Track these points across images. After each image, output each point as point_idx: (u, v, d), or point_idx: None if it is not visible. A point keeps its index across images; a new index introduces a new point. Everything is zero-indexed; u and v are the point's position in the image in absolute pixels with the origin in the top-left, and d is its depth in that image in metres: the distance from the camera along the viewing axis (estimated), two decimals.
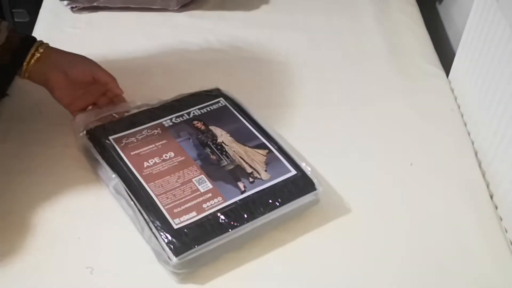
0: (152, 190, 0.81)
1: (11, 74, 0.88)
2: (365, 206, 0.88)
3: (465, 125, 1.05)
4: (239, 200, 0.80)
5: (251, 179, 0.84)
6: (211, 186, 0.82)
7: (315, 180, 0.84)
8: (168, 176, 0.83)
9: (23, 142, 0.94)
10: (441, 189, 0.91)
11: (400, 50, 1.22)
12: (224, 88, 1.01)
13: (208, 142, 0.89)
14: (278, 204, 0.81)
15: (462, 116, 1.07)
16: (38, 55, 0.87)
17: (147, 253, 0.77)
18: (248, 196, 0.81)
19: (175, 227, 0.76)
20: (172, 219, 0.77)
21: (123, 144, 0.88)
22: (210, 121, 0.93)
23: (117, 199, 0.83)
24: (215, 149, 0.88)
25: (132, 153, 0.87)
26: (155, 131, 0.91)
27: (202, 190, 0.81)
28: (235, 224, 0.77)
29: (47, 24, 1.22)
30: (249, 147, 0.89)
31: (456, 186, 0.92)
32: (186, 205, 0.79)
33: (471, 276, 0.80)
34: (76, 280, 0.75)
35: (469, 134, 1.03)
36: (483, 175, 0.95)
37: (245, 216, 0.78)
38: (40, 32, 1.20)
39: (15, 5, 1.48)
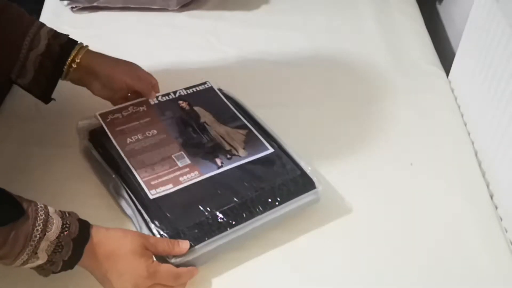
0: (132, 165, 0.83)
1: (55, 80, 0.89)
2: (365, 206, 0.88)
3: (465, 125, 1.05)
4: (217, 174, 0.83)
5: (228, 156, 0.86)
6: (189, 162, 0.85)
7: (314, 179, 0.84)
8: (149, 152, 0.86)
9: (23, 142, 0.94)
10: (441, 189, 0.91)
11: (400, 50, 1.22)
12: (224, 88, 1.01)
13: (191, 122, 0.92)
14: (277, 203, 0.80)
15: (462, 116, 1.07)
16: (75, 65, 0.88)
17: None
18: (248, 195, 0.81)
19: (151, 197, 0.79)
20: (149, 190, 0.80)
21: (108, 119, 0.90)
22: (194, 102, 0.96)
23: (116, 199, 0.83)
24: (197, 129, 0.91)
25: (116, 129, 0.89)
26: (141, 108, 0.93)
27: (180, 165, 0.84)
28: (234, 223, 0.77)
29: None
30: (231, 127, 0.92)
31: (456, 186, 0.92)
32: (164, 178, 0.82)
33: (471, 276, 0.80)
34: (76, 280, 0.75)
35: (469, 134, 1.03)
36: (483, 175, 0.95)
37: (244, 215, 0.78)
38: None
39: None
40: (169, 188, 0.81)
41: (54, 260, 0.67)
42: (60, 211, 0.69)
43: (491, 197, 0.91)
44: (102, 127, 0.91)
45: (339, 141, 0.99)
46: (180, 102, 0.95)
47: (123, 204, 0.82)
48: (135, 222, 0.79)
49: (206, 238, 0.75)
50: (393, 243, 0.83)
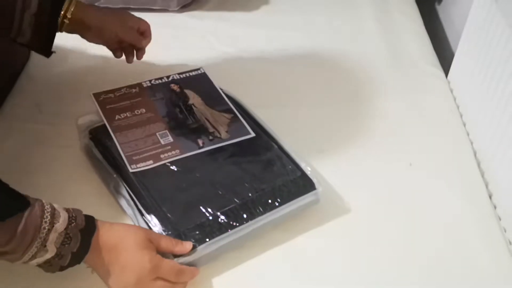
0: (117, 139, 0.87)
1: (52, 35, 0.93)
2: (365, 206, 0.88)
3: (464, 125, 1.05)
4: (198, 154, 0.86)
5: (211, 137, 0.89)
6: (171, 140, 0.88)
7: (314, 180, 0.84)
8: (135, 129, 0.89)
9: (23, 142, 0.94)
10: (440, 189, 0.92)
11: (399, 50, 1.22)
12: (224, 88, 1.02)
13: (179, 103, 0.95)
14: (277, 204, 0.81)
15: (461, 116, 1.07)
16: (67, 21, 0.93)
17: None
18: (249, 196, 0.81)
19: (130, 170, 0.83)
20: (129, 164, 0.84)
21: (101, 98, 0.94)
22: (186, 85, 1.00)
23: (117, 198, 0.83)
24: (184, 109, 0.94)
25: (107, 107, 0.93)
26: (133, 90, 0.97)
27: (162, 143, 0.88)
28: (235, 224, 0.77)
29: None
30: (217, 110, 0.95)
31: (455, 185, 0.92)
32: (145, 154, 0.86)
33: (470, 275, 0.80)
34: (76, 280, 0.75)
35: (468, 134, 1.03)
36: (482, 175, 0.95)
37: (245, 216, 0.78)
38: None
39: None
40: (149, 164, 0.84)
41: (63, 253, 0.67)
42: (63, 207, 0.70)
43: (490, 197, 0.92)
44: (102, 125, 0.91)
45: (338, 141, 0.99)
46: (172, 85, 0.99)
47: (124, 203, 0.82)
48: (136, 223, 0.79)
49: (207, 239, 0.75)
50: (393, 243, 0.83)
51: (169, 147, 0.87)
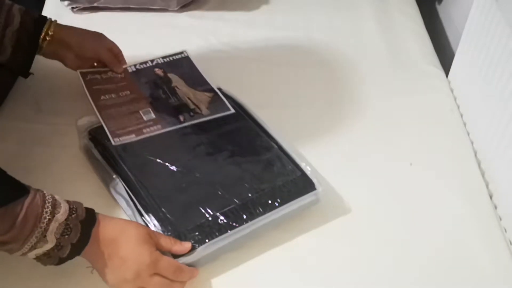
0: (101, 116, 0.91)
1: (32, 54, 0.94)
2: (365, 206, 0.88)
3: (465, 125, 1.05)
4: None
5: (191, 114, 0.94)
6: (154, 117, 0.93)
7: (314, 180, 0.84)
8: (119, 108, 0.94)
9: (23, 142, 0.94)
10: (440, 189, 0.92)
11: (400, 50, 1.22)
12: (224, 88, 1.02)
13: (163, 86, 0.99)
14: (277, 204, 0.81)
15: (461, 116, 1.07)
16: (49, 38, 0.93)
17: None
18: (249, 196, 0.81)
19: (113, 143, 0.87)
20: (113, 138, 0.88)
21: (88, 78, 0.98)
22: (169, 69, 1.04)
23: (117, 199, 0.83)
24: (167, 91, 0.98)
25: (93, 87, 0.97)
26: (119, 75, 1.01)
27: (145, 119, 0.92)
28: (235, 224, 0.77)
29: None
30: (199, 90, 0.99)
31: (455, 185, 0.92)
32: (128, 129, 0.90)
33: (470, 275, 0.80)
34: (76, 280, 0.75)
35: (468, 134, 1.03)
36: (483, 175, 0.95)
37: (245, 216, 0.78)
38: None
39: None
40: (131, 138, 0.88)
41: (63, 244, 0.67)
42: (64, 199, 0.70)
43: (491, 197, 0.92)
44: (102, 126, 0.91)
45: (338, 141, 0.99)
46: (156, 69, 1.03)
47: (123, 204, 0.82)
48: None
49: (207, 240, 0.75)
50: (393, 243, 0.83)
51: (151, 122, 0.91)
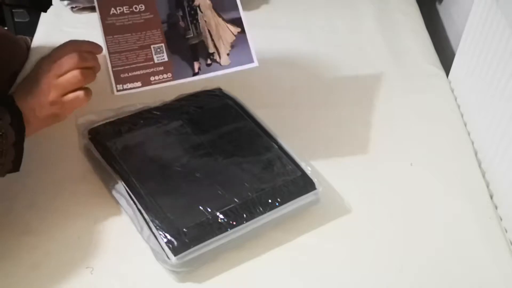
0: (107, 46, 0.79)
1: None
2: (365, 206, 0.88)
3: (465, 125, 1.05)
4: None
5: (209, 61, 0.82)
6: (166, 59, 0.81)
7: (315, 180, 0.84)
8: (129, 34, 0.81)
9: None
10: (441, 189, 0.91)
11: (400, 50, 1.22)
12: (224, 88, 1.01)
13: (184, 2, 0.84)
14: (277, 204, 0.81)
15: (462, 116, 1.07)
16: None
17: (146, 252, 0.76)
18: (249, 196, 0.81)
19: (116, 92, 0.78)
20: (116, 83, 0.78)
21: None
22: None
23: (117, 198, 0.83)
24: (187, 13, 0.83)
25: None
26: None
27: (156, 61, 0.80)
28: (234, 223, 0.77)
29: (47, 24, 1.22)
30: (224, 19, 0.84)
31: (456, 186, 0.92)
32: (134, 73, 0.79)
33: (471, 276, 0.80)
34: (76, 280, 0.75)
35: (469, 134, 1.03)
36: (483, 175, 0.95)
37: (245, 215, 0.78)
38: (40, 32, 1.21)
39: None
40: (137, 86, 0.79)
41: (1, 162, 0.72)
42: None
43: (491, 197, 0.91)
44: (101, 125, 0.91)
45: (339, 141, 0.99)
46: None
47: (124, 203, 0.82)
48: (136, 222, 0.79)
49: (207, 238, 0.75)
50: (393, 243, 0.83)
51: (162, 68, 0.80)
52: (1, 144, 0.71)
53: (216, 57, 0.82)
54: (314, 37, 1.24)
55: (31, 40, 1.20)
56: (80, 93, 0.76)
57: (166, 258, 0.74)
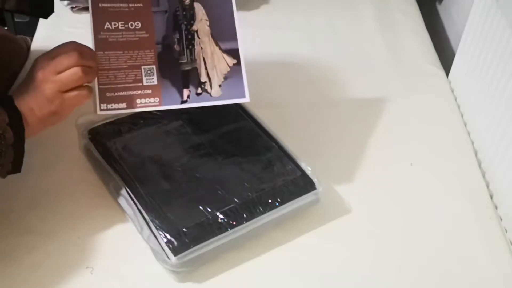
0: (97, 61, 0.76)
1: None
2: (365, 206, 0.88)
3: (465, 125, 1.05)
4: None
5: (199, 90, 0.79)
6: (155, 82, 0.77)
7: (315, 180, 0.84)
8: (121, 52, 0.77)
9: None
10: (441, 189, 0.91)
11: (400, 50, 1.22)
12: None
13: (183, 23, 0.81)
14: (277, 204, 0.81)
15: (462, 116, 1.07)
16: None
17: (146, 252, 0.76)
18: (249, 196, 0.81)
19: (98, 112, 0.75)
20: (100, 102, 0.75)
21: None
22: None
23: (116, 198, 0.83)
24: (184, 37, 0.80)
25: (100, 5, 0.78)
26: None
27: (145, 83, 0.77)
28: (234, 223, 0.77)
29: (47, 24, 1.22)
30: (221, 48, 0.81)
31: (456, 186, 0.92)
32: (121, 93, 0.76)
33: (470, 276, 0.80)
34: (76, 280, 0.75)
35: (469, 134, 1.03)
36: (483, 175, 0.95)
37: (245, 215, 0.78)
38: (41, 32, 1.21)
39: None
40: (121, 108, 0.75)
41: (1, 163, 0.71)
42: None
43: (491, 197, 0.91)
44: (101, 125, 0.90)
45: (339, 141, 0.99)
46: None
47: (124, 204, 0.82)
48: (136, 222, 0.79)
49: (207, 239, 0.75)
50: (393, 243, 0.83)
51: (150, 91, 0.76)
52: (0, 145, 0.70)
53: (208, 87, 0.80)
54: (314, 37, 1.24)
55: (31, 40, 1.20)
56: (83, 90, 0.74)
57: (166, 258, 0.74)
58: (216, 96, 0.79)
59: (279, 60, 1.17)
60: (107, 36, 0.77)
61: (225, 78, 0.81)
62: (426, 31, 1.29)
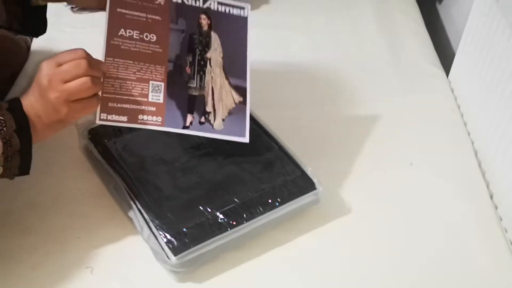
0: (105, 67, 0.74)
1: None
2: (365, 206, 0.88)
3: (465, 125, 1.05)
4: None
5: (203, 119, 0.78)
6: (161, 101, 0.75)
7: (315, 180, 0.84)
8: (131, 61, 0.75)
9: None
10: (441, 189, 0.91)
11: (400, 50, 1.22)
12: None
13: (197, 49, 0.80)
14: (277, 204, 0.81)
15: (462, 116, 1.07)
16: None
17: (146, 252, 0.77)
18: (249, 196, 0.81)
19: (97, 121, 0.73)
20: (101, 112, 0.73)
21: None
22: (217, 24, 0.82)
23: (116, 198, 0.83)
24: (197, 62, 0.79)
25: (118, 10, 0.76)
26: (158, 0, 0.79)
27: (150, 99, 0.75)
28: (234, 223, 0.77)
29: (47, 24, 1.22)
30: (230, 83, 0.81)
31: (456, 186, 0.92)
32: (124, 105, 0.73)
33: (470, 276, 0.80)
34: (76, 280, 0.75)
35: (469, 134, 1.03)
36: (483, 175, 0.95)
37: (245, 215, 0.78)
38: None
39: None
40: (122, 121, 0.73)
41: (8, 166, 0.72)
42: None
43: (491, 197, 0.91)
44: (101, 125, 0.90)
45: (339, 141, 0.99)
46: (203, 15, 0.81)
47: (124, 204, 0.82)
48: (136, 222, 0.79)
49: (207, 239, 0.75)
50: (393, 243, 0.83)
51: (154, 108, 0.74)
52: (6, 150, 0.69)
53: (211, 118, 0.79)
54: (314, 38, 1.24)
55: (31, 40, 1.20)
56: (91, 99, 0.72)
57: (166, 258, 0.74)
58: (217, 129, 0.79)
59: (279, 60, 1.17)
60: (120, 43, 0.75)
61: (229, 113, 0.80)
62: (426, 31, 1.29)
